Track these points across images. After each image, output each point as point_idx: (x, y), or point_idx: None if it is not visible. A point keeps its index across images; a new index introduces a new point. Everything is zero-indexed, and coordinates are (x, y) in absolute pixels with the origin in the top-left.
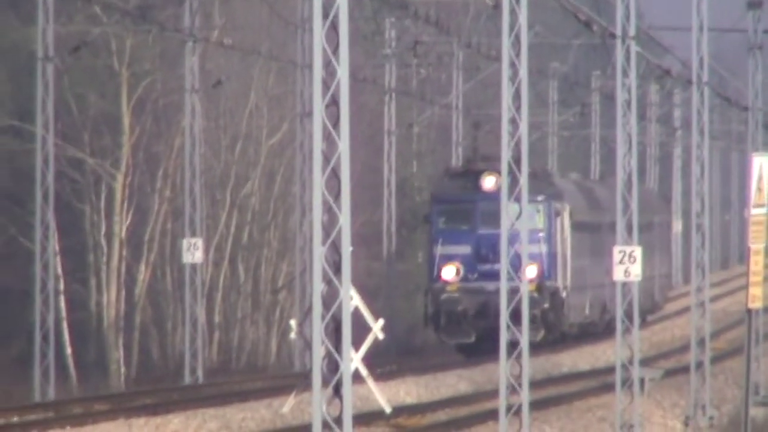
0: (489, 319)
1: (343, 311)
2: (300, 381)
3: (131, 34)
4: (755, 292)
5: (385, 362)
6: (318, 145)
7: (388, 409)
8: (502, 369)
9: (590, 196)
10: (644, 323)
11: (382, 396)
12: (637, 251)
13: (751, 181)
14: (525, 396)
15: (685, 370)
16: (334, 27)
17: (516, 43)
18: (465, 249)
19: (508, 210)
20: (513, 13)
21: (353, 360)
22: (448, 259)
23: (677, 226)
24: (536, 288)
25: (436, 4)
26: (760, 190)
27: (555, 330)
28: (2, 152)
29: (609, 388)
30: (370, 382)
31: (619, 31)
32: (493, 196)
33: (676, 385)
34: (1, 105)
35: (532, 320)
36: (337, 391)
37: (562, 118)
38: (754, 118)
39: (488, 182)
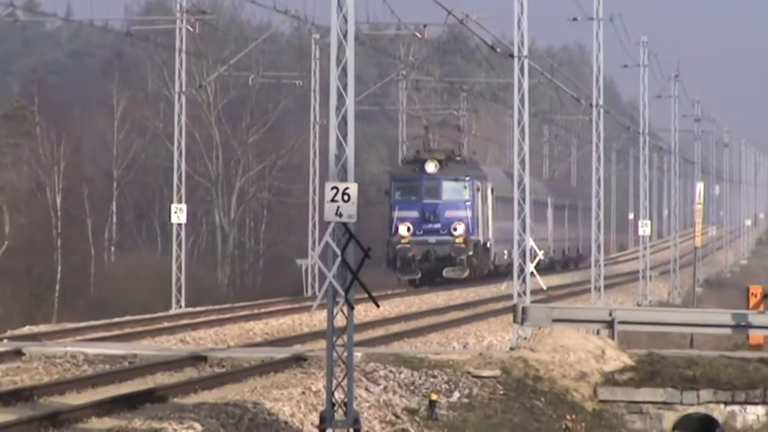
0: (430, 262)
1: (526, 247)
2: (508, 276)
3: None
4: (698, 238)
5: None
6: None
7: (545, 287)
8: (593, 271)
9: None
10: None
11: (542, 281)
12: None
13: (695, 192)
14: (602, 282)
15: (668, 271)
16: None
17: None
18: (414, 213)
19: (445, 186)
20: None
21: (531, 266)
22: (402, 220)
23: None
24: (463, 240)
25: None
26: (699, 195)
27: (479, 269)
28: None
29: (636, 278)
30: (537, 276)
31: (641, 130)
32: (434, 177)
33: (664, 278)
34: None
35: (460, 263)
36: (524, 279)
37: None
38: (699, 169)
39: (430, 167)
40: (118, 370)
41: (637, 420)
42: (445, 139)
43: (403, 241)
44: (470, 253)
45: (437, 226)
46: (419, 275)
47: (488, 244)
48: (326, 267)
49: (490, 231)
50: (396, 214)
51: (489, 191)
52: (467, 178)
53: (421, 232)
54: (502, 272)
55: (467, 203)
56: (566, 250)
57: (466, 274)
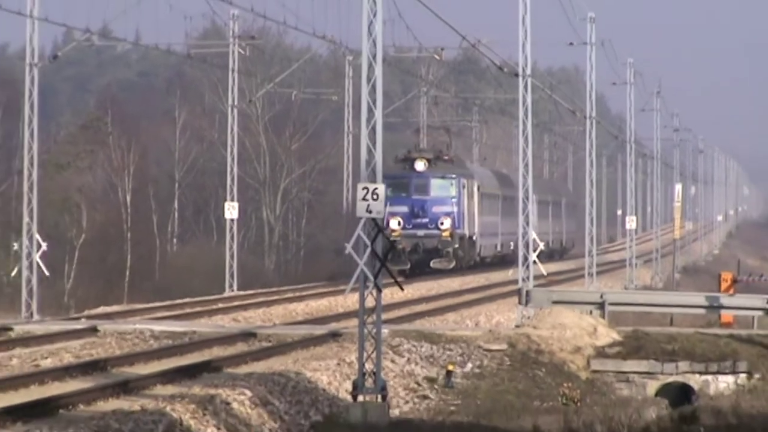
0: (419, 254)
1: (529, 239)
2: (514, 263)
3: None
4: (676, 231)
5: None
6: None
7: (545, 273)
8: (587, 259)
9: (506, 180)
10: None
11: (543, 268)
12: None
13: (674, 192)
14: (594, 269)
15: (651, 260)
16: None
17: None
18: (404, 208)
19: (433, 183)
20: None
21: (533, 256)
22: (393, 215)
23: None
24: (449, 234)
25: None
26: (678, 195)
27: (465, 260)
28: None
29: (624, 266)
30: (539, 263)
31: (627, 139)
32: (423, 175)
33: (648, 265)
34: None
35: (446, 255)
36: (527, 267)
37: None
38: (677, 172)
39: (419, 165)
40: (179, 344)
41: (625, 387)
42: (457, 145)
43: (394, 234)
44: (456, 245)
45: (425, 220)
46: (408, 266)
47: (474, 238)
48: (358, 256)
49: (476, 225)
50: (387, 209)
51: (475, 188)
52: (454, 176)
53: (411, 226)
54: (488, 263)
55: (453, 199)
56: (550, 242)
57: (452, 265)
